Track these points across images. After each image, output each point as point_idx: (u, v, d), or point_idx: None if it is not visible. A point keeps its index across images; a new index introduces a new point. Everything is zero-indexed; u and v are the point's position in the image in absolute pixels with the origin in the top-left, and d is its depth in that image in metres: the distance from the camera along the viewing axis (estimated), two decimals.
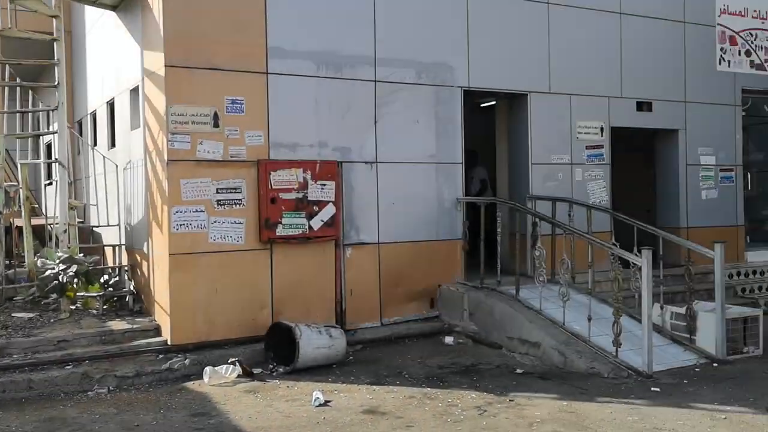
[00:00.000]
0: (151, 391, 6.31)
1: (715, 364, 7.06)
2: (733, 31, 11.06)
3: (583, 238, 7.89)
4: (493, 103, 10.15)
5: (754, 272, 10.76)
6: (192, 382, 6.53)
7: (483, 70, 8.96)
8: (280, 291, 7.62)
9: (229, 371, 6.56)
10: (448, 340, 8.03)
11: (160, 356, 6.91)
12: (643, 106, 10.23)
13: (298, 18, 7.80)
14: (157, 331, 7.33)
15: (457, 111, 8.80)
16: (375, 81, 8.26)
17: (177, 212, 7.10)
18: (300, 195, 7.64)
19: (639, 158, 11.33)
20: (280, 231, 7.52)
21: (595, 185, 9.83)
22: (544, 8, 9.41)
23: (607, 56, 9.93)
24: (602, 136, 9.87)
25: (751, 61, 11.26)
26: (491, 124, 10.13)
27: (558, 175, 9.57)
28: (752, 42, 11.25)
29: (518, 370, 6.88)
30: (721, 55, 10.96)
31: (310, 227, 7.71)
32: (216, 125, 7.29)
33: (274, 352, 7.08)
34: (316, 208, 7.73)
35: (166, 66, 7.12)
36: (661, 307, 7.71)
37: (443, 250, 8.67)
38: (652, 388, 6.22)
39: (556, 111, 9.53)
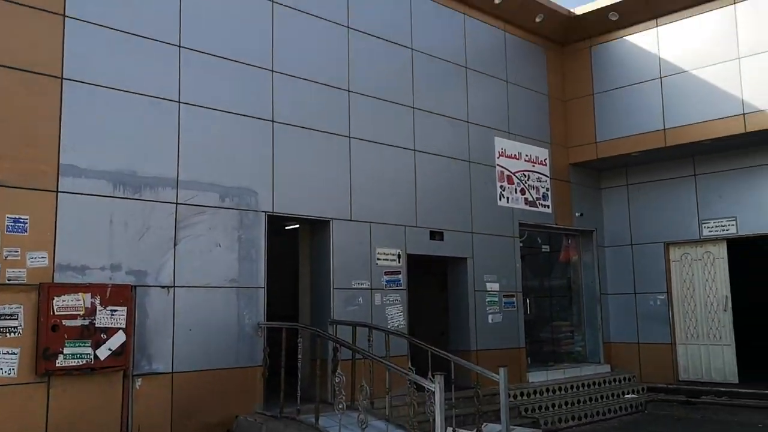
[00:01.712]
0: None
1: None
2: (510, 171, 12.45)
3: (382, 363, 8.07)
4: (297, 226, 10.37)
5: (536, 392, 11.59)
6: None
7: (288, 196, 9.18)
8: (57, 431, 6.85)
9: None
10: None
11: None
12: (435, 235, 11.00)
13: (96, 136, 7.54)
14: None
15: (261, 235, 8.85)
16: (176, 203, 8.10)
17: None
18: (86, 322, 7.09)
19: (434, 283, 12.04)
20: (60, 362, 6.87)
21: (394, 309, 10.22)
22: (346, 141, 9.97)
23: (404, 188, 10.66)
24: (399, 262, 10.40)
25: (526, 199, 12.67)
26: (296, 246, 10.28)
27: (358, 300, 9.84)
28: (525, 182, 12.72)
29: None
30: (500, 192, 12.23)
31: (96, 357, 7.13)
32: None
33: None
34: (104, 335, 7.20)
35: None
36: (454, 431, 7.98)
37: (242, 378, 8.40)
38: None
39: (357, 237, 9.92)
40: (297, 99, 9.45)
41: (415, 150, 10.89)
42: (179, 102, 8.27)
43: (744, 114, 11.62)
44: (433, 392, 6.99)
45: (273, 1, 9.32)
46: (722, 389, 12.29)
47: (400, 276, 10.38)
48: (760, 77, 11.53)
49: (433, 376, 7.12)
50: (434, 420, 6.98)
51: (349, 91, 10.10)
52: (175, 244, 8.04)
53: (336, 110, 9.93)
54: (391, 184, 10.48)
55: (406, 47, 11.02)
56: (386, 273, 10.21)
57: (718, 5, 12.10)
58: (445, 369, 7.45)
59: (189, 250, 8.14)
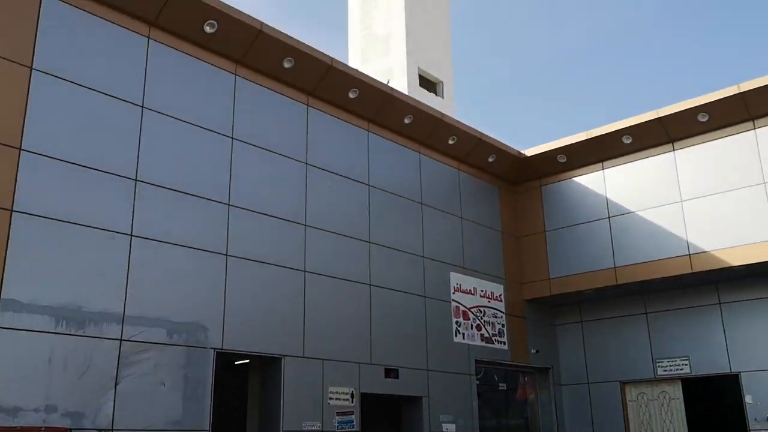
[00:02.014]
0: None
1: None
2: (466, 307, 12.44)
3: None
4: (248, 361, 10.02)
5: None
6: None
7: (238, 331, 8.93)
8: None
9: None
10: None
11: None
12: (390, 373, 10.74)
13: (43, 269, 7.32)
14: None
15: (209, 373, 8.50)
16: (121, 339, 7.79)
17: None
18: None
19: (388, 424, 11.59)
20: None
21: None
22: (301, 275, 9.89)
23: (359, 324, 10.50)
24: (353, 402, 10.05)
25: (482, 335, 12.59)
26: (246, 383, 9.88)
27: None
28: (482, 317, 12.69)
29: None
30: (456, 328, 12.14)
31: None
32: None
33: None
34: None
35: None
36: None
37: None
38: None
39: (309, 375, 9.61)
40: (253, 233, 9.43)
41: (370, 285, 10.84)
42: (131, 235, 8.16)
43: (690, 255, 11.99)
44: None
45: (233, 138, 9.51)
46: None
47: (353, 417, 10.00)
48: (703, 220, 12.00)
49: None
50: None
51: (305, 226, 10.15)
52: (116, 384, 7.64)
53: (292, 244, 9.92)
54: (346, 319, 10.33)
55: (364, 183, 11.24)
56: (338, 413, 9.83)
57: (658, 151, 12.78)
58: None
59: (131, 390, 7.74)
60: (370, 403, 10.47)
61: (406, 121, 11.92)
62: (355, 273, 10.67)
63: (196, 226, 8.83)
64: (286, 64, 10.08)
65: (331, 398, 9.80)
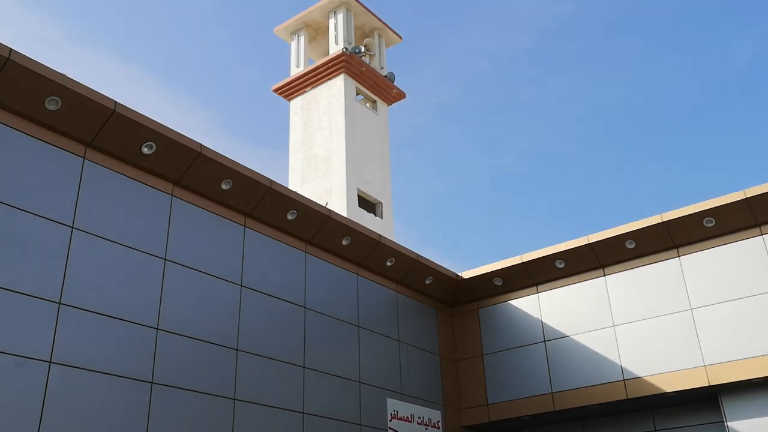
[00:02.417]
0: None
1: None
2: None
3: None
4: None
5: None
6: None
7: None
8: None
9: None
10: None
11: None
12: None
13: None
14: None
15: None
16: None
17: None
18: None
19: None
20: None
21: None
22: (230, 404, 9.42)
23: None
24: None
25: None
26: None
27: None
28: None
29: None
30: None
31: None
32: None
33: None
34: None
35: None
36: None
37: None
38: None
39: None
40: (182, 357, 9.03)
41: (304, 413, 10.41)
42: (50, 362, 7.67)
43: (624, 380, 12.05)
44: None
45: (165, 259, 9.28)
46: None
47: None
48: (635, 345, 12.17)
49: None
50: None
51: (237, 350, 9.80)
52: None
53: (222, 370, 9.52)
54: None
55: (300, 306, 11.05)
56: None
57: (590, 276, 13.08)
58: None
59: None
60: None
61: (344, 242, 11.95)
62: (288, 400, 10.25)
63: (121, 352, 8.39)
64: (224, 186, 10.08)
65: None
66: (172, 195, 9.63)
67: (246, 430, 9.47)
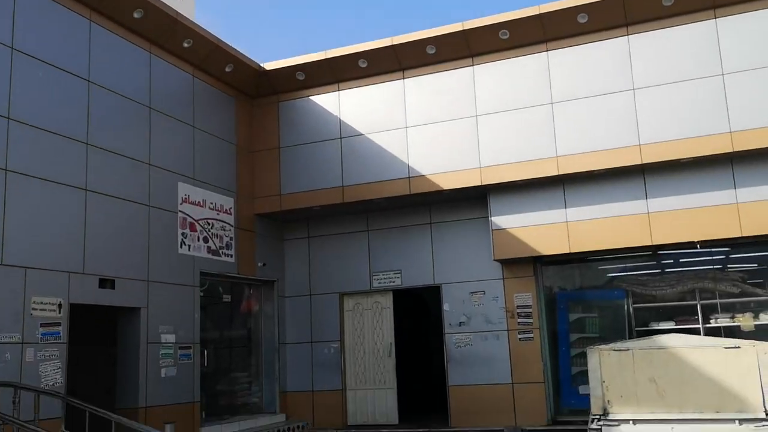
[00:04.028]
0: None
1: None
2: (193, 218, 12.13)
3: (27, 428, 7.08)
4: None
5: None
6: None
7: None
8: None
9: None
10: None
11: None
12: (106, 283, 10.15)
13: None
14: None
15: None
16: None
17: None
18: None
19: (103, 337, 11.04)
20: None
21: (49, 366, 9.09)
22: (1, 175, 8.79)
23: (70, 231, 9.68)
24: (60, 313, 9.34)
25: (209, 247, 12.42)
26: None
27: (6, 356, 8.56)
28: (209, 230, 12.49)
29: None
30: (182, 239, 11.81)
31: None
32: None
33: None
34: None
35: None
36: None
37: None
38: None
39: (8, 284, 8.69)
40: None
41: (86, 189, 10.01)
42: None
43: (409, 177, 12.93)
44: None
45: None
46: (384, 431, 13.18)
47: (60, 328, 9.31)
48: (423, 147, 12.96)
49: None
50: None
51: (8, 119, 8.97)
52: None
53: None
54: (55, 225, 9.46)
55: (83, 78, 10.20)
56: (42, 325, 9.08)
57: (390, 78, 13.40)
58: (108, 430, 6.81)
59: None
60: (82, 314, 9.83)
61: (136, 15, 10.97)
62: (67, 175, 9.74)
63: None
64: None
65: (34, 309, 9.00)
66: None
67: (19, 203, 8.95)
